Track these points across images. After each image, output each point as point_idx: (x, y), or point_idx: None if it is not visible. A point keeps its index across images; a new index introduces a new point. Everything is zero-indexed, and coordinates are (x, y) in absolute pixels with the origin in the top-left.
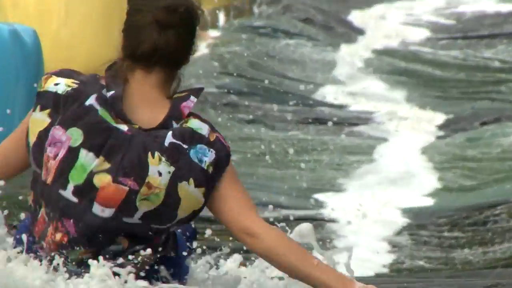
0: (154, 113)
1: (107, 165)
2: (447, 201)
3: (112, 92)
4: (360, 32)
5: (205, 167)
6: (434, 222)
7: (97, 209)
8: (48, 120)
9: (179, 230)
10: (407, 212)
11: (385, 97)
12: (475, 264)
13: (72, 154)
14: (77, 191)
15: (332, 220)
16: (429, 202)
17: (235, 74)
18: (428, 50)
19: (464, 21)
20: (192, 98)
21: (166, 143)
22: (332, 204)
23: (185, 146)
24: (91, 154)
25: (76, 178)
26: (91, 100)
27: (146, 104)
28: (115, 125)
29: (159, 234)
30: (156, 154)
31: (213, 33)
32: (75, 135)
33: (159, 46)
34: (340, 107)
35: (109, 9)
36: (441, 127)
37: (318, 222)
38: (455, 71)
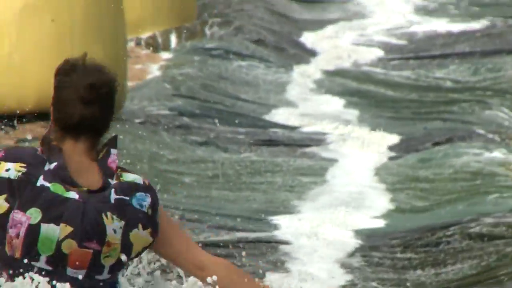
0: (92, 176)
1: (70, 229)
2: (400, 222)
3: (55, 164)
4: (312, 53)
5: (146, 211)
6: (386, 243)
7: (70, 271)
8: (7, 205)
9: None
10: (359, 233)
11: (337, 118)
12: (428, 286)
13: (33, 230)
14: (49, 260)
15: (285, 242)
16: (381, 223)
17: (187, 96)
18: (380, 70)
19: (416, 41)
20: (113, 151)
21: (112, 200)
22: (285, 226)
23: (127, 198)
24: (52, 225)
25: (45, 250)
26: (41, 181)
27: (84, 169)
28: (66, 195)
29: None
30: (109, 214)
31: (165, 55)
32: (34, 214)
33: (85, 118)
34: (293, 128)
35: (60, 34)
36: (393, 147)
37: (271, 244)
38: (407, 91)
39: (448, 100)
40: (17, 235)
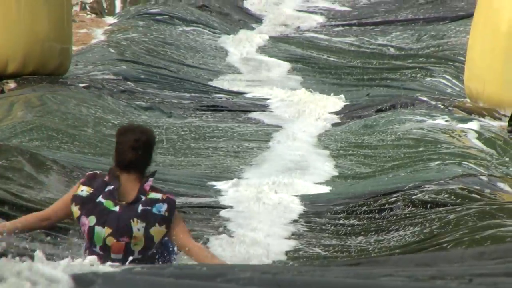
0: (132, 194)
1: (109, 230)
2: (343, 188)
3: (112, 187)
4: (257, 19)
5: (163, 214)
6: (330, 209)
7: (113, 256)
8: (79, 212)
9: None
10: (303, 199)
11: (281, 84)
12: (370, 252)
13: (91, 230)
14: (101, 248)
15: (229, 207)
16: (325, 189)
17: (132, 61)
18: (324, 37)
19: (359, 8)
20: (150, 179)
21: (139, 211)
22: (229, 191)
23: (149, 208)
24: (100, 227)
25: (98, 242)
26: (100, 198)
27: (129, 190)
28: (111, 208)
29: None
30: (135, 219)
31: (110, 20)
32: (92, 219)
33: (133, 161)
34: (237, 94)
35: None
36: (336, 114)
37: (215, 209)
38: (351, 58)
39: (391, 67)
40: (84, 232)
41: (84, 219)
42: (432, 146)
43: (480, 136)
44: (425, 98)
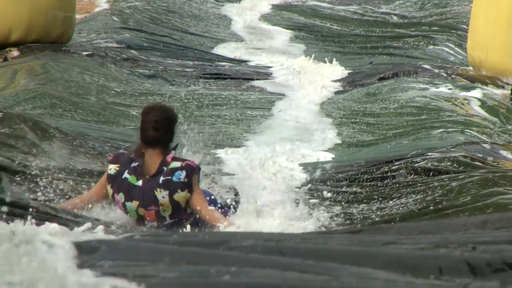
0: (155, 167)
1: (137, 203)
2: (346, 156)
3: (136, 163)
4: None
5: (183, 180)
6: (333, 177)
7: (148, 223)
8: (111, 190)
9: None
10: (306, 167)
11: (284, 52)
12: (373, 220)
13: (123, 206)
14: (138, 219)
15: (232, 174)
16: (328, 157)
17: (135, 29)
18: (327, 5)
19: None
20: (172, 152)
21: (160, 181)
22: (232, 158)
23: (169, 177)
24: (129, 202)
25: (133, 214)
26: (125, 174)
27: (152, 164)
28: (135, 183)
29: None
30: (158, 189)
31: None
32: (121, 196)
33: (156, 137)
34: (240, 62)
35: None
36: (339, 82)
37: (219, 176)
38: (354, 26)
39: (394, 35)
40: (120, 208)
41: (116, 197)
42: (435, 114)
43: (483, 104)
44: (428, 66)
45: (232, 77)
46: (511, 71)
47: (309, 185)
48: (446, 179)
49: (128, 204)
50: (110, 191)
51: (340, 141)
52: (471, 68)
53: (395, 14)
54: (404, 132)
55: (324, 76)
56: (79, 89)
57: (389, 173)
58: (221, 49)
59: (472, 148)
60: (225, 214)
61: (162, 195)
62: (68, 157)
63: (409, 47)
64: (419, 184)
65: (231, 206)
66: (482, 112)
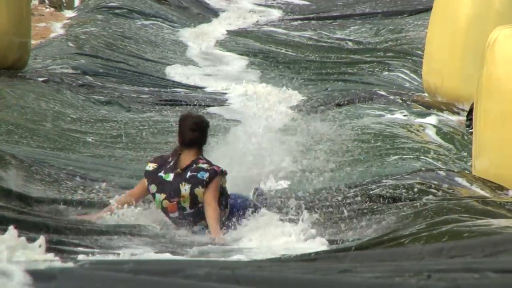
0: (188, 162)
1: (164, 196)
2: (301, 183)
3: (171, 163)
4: (215, 13)
5: (205, 179)
6: (288, 204)
7: (171, 214)
8: (147, 183)
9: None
10: (262, 193)
11: (240, 78)
12: (329, 247)
13: (153, 196)
14: (161, 210)
15: None
16: (284, 184)
17: (91, 55)
18: (282, 30)
19: (317, 2)
20: (202, 156)
21: (187, 176)
22: None
23: (195, 173)
24: (158, 194)
25: (158, 206)
26: (161, 173)
27: (185, 162)
28: (167, 179)
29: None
30: (183, 183)
31: (69, 14)
32: (154, 188)
33: (193, 139)
34: (196, 88)
35: None
36: (295, 108)
37: None
38: (309, 52)
39: (349, 61)
40: (151, 196)
41: (150, 188)
42: (391, 141)
43: (438, 130)
44: (383, 93)
45: (187, 104)
46: (466, 97)
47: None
48: (401, 206)
49: (157, 195)
50: (146, 184)
51: (295, 168)
52: (426, 94)
53: (350, 40)
54: (360, 159)
55: (280, 102)
56: (35, 115)
57: (344, 200)
58: (177, 75)
59: (428, 175)
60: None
61: (184, 188)
62: (23, 184)
63: (364, 73)
64: (374, 212)
65: (261, 205)
66: (438, 139)
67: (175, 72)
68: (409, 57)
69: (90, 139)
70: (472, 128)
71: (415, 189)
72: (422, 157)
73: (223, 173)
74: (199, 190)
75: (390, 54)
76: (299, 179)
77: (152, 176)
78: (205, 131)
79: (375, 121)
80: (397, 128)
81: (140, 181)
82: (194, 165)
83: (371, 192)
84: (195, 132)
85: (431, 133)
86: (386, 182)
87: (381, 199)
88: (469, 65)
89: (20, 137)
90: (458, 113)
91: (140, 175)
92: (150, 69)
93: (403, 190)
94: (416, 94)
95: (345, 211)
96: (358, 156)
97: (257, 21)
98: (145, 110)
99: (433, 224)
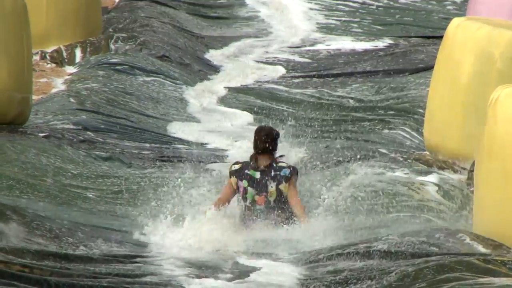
0: (266, 164)
1: (255, 191)
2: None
3: (252, 163)
4: (216, 70)
5: (288, 175)
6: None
7: (257, 206)
8: (236, 179)
9: None
10: (262, 257)
11: (241, 135)
12: None
13: (245, 189)
14: (250, 202)
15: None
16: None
17: (92, 111)
18: (283, 88)
19: (319, 59)
20: (280, 157)
21: (272, 175)
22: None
23: (278, 172)
24: (251, 189)
25: (249, 198)
26: (246, 170)
27: (263, 163)
28: (254, 176)
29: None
30: (270, 180)
31: (70, 70)
32: (245, 183)
33: (264, 148)
34: (197, 144)
35: None
36: (297, 165)
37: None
38: (310, 109)
39: (351, 119)
40: (240, 192)
41: (240, 183)
42: (391, 199)
43: (439, 189)
44: (384, 151)
45: (188, 160)
46: (467, 155)
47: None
48: (402, 264)
49: (249, 189)
50: (234, 180)
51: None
52: (427, 152)
53: (351, 98)
54: (360, 216)
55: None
56: (35, 170)
57: (344, 257)
58: (178, 131)
59: (429, 233)
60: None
61: (271, 185)
62: (24, 238)
63: (366, 131)
64: (374, 269)
65: None
66: (439, 197)
67: (177, 129)
68: (410, 115)
69: (91, 195)
70: (473, 187)
71: (416, 247)
72: (423, 215)
73: (297, 172)
74: (283, 186)
75: (391, 112)
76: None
77: (240, 173)
78: (275, 140)
79: (376, 179)
80: (398, 186)
81: (225, 187)
82: (275, 164)
83: (371, 249)
84: (267, 142)
85: (432, 191)
86: (386, 239)
87: (382, 257)
88: (470, 124)
89: (21, 192)
90: (459, 172)
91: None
92: (152, 126)
93: (404, 248)
94: (417, 152)
95: (346, 270)
96: (359, 213)
97: (258, 78)
98: (146, 166)
99: (434, 283)
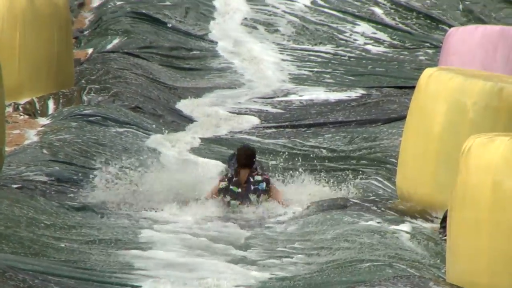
0: (244, 179)
1: (238, 202)
2: None
3: (235, 179)
4: (189, 120)
5: (264, 188)
6: None
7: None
8: (222, 195)
9: None
10: None
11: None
12: None
13: (228, 202)
14: (234, 209)
15: None
16: None
17: (65, 162)
18: (256, 138)
19: (292, 110)
20: (256, 170)
21: (252, 189)
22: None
23: (257, 186)
24: (233, 201)
25: (233, 207)
26: (231, 187)
27: (243, 178)
28: (236, 190)
29: None
30: (251, 194)
31: (43, 121)
32: (228, 197)
33: (245, 163)
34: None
35: None
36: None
37: None
38: (283, 159)
39: (323, 169)
40: (225, 203)
41: (225, 198)
42: (365, 248)
43: (412, 237)
44: (357, 200)
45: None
46: (440, 204)
47: None
48: None
49: (232, 201)
50: (221, 195)
51: (268, 276)
52: (400, 201)
53: (324, 148)
54: (333, 265)
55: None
56: (8, 221)
57: None
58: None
59: (402, 282)
60: None
61: (253, 197)
62: None
63: (338, 181)
64: None
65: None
66: (412, 246)
67: (147, 180)
68: (383, 165)
69: (63, 245)
70: (445, 235)
71: None
72: (396, 264)
73: (269, 179)
74: (264, 197)
75: (364, 162)
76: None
77: (226, 191)
78: (253, 158)
79: (349, 228)
80: (371, 235)
81: (212, 189)
82: (252, 179)
83: None
84: (248, 158)
85: (405, 240)
86: None
87: None
88: (442, 173)
89: None
90: (432, 221)
91: (116, 282)
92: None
93: None
94: (390, 201)
95: None
96: (332, 263)
97: (231, 129)
98: (119, 216)
99: None
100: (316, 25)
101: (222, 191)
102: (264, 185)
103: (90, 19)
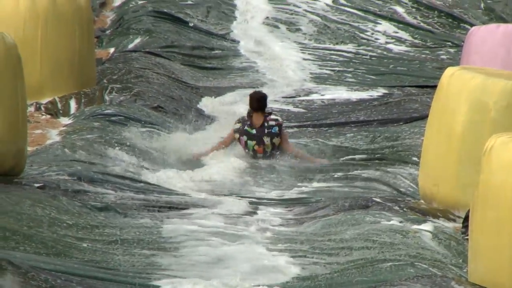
0: (260, 122)
1: (254, 142)
2: None
3: (248, 122)
4: (211, 119)
5: (277, 132)
6: None
7: (258, 155)
8: (238, 135)
9: None
10: None
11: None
12: None
13: (246, 143)
14: (251, 151)
15: None
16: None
17: (87, 162)
18: None
19: (313, 109)
20: (270, 115)
21: (266, 132)
22: None
23: (270, 130)
24: (250, 141)
25: (250, 148)
26: (245, 127)
27: (258, 120)
28: (251, 132)
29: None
30: (265, 136)
31: (65, 121)
32: (245, 137)
33: (258, 106)
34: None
35: None
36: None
37: None
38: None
39: (346, 167)
40: (242, 145)
41: (241, 138)
42: (386, 247)
43: (434, 237)
44: (379, 200)
45: (181, 208)
46: (462, 204)
47: None
48: None
49: (249, 141)
50: (236, 136)
51: (293, 274)
52: (422, 201)
53: (345, 147)
54: (355, 265)
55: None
56: (31, 221)
57: None
58: (175, 181)
59: (423, 282)
60: None
61: (266, 139)
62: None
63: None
64: None
65: None
66: (434, 245)
67: (169, 177)
68: (405, 164)
69: (85, 245)
70: (467, 235)
71: None
72: (418, 264)
73: (282, 124)
74: (276, 140)
75: (385, 161)
76: (295, 286)
77: (240, 131)
78: (266, 101)
79: (370, 227)
80: (393, 235)
81: (228, 134)
82: (266, 123)
83: None
84: (260, 102)
85: (427, 239)
86: None
87: None
88: (465, 173)
89: (16, 243)
90: (454, 220)
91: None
92: (147, 176)
93: None
94: (412, 201)
95: None
96: (354, 262)
97: None
98: (140, 216)
99: None
100: (338, 24)
101: (238, 131)
102: (277, 128)
103: (111, 19)
